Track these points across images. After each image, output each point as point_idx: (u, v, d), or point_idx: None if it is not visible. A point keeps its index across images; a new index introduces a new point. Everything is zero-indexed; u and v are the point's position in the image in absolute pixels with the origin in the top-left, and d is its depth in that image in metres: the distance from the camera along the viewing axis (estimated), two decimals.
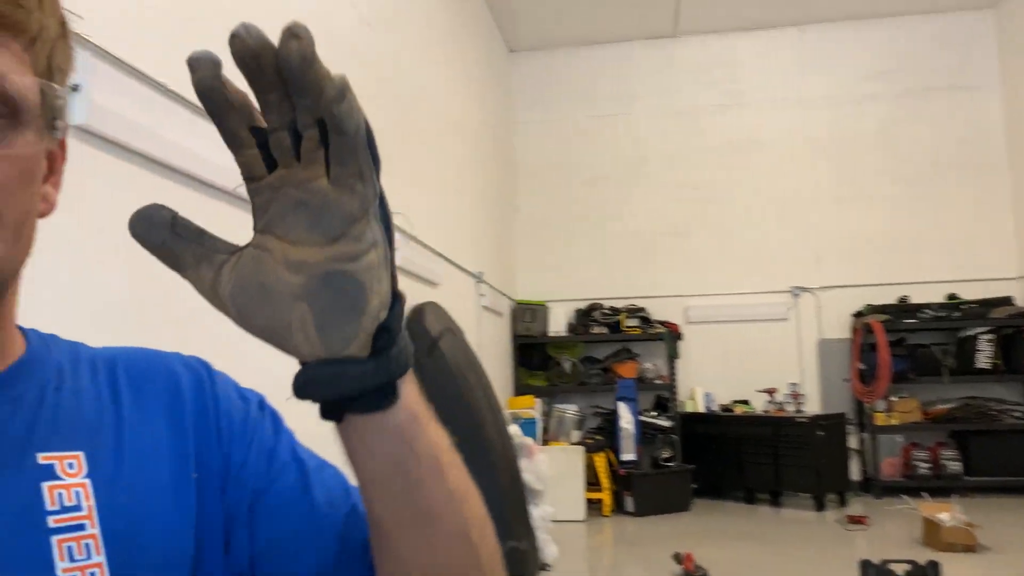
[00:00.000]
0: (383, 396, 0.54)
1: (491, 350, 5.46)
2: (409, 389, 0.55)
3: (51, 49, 0.57)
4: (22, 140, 0.54)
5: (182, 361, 0.69)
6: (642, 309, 6.42)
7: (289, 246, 0.50)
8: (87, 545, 0.56)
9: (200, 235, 0.52)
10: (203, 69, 0.46)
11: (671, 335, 6.28)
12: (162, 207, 0.51)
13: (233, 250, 0.52)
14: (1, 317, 0.60)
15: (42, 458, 0.58)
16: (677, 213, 6.68)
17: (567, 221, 6.78)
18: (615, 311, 6.43)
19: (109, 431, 0.61)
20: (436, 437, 0.58)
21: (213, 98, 0.47)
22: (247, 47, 0.45)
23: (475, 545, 0.60)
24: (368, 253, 0.51)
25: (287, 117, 0.47)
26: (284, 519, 0.64)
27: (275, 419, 0.69)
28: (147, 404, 0.64)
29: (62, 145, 0.62)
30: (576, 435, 5.85)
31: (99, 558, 0.56)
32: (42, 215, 0.59)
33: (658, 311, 6.48)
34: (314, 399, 0.53)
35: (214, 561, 0.63)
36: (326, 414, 0.54)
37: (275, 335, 0.52)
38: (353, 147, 0.48)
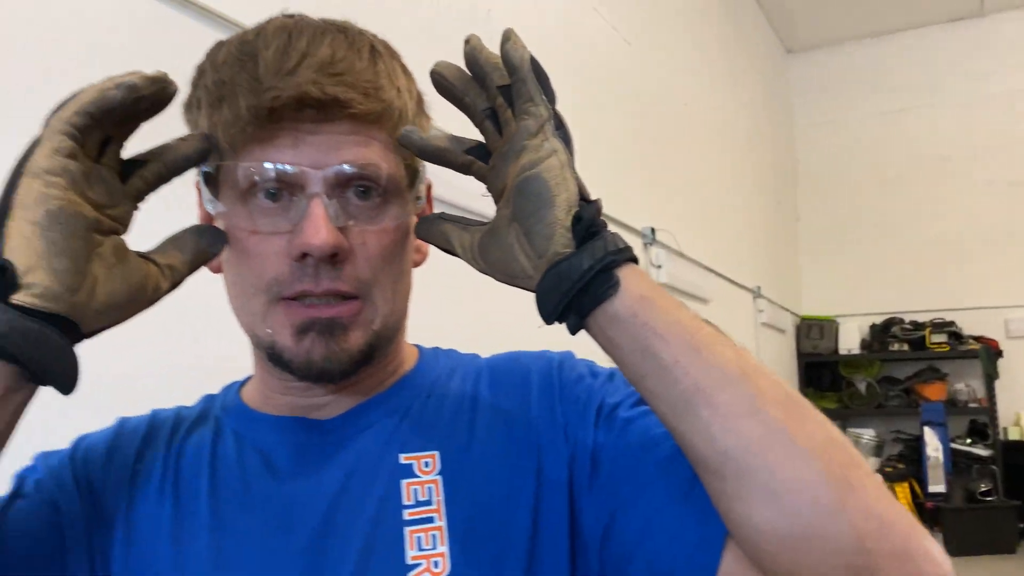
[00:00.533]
0: (601, 284, 0.56)
1: (773, 369, 5.17)
2: (631, 273, 0.58)
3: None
4: (393, 214, 0.66)
5: (541, 356, 0.75)
6: (951, 323, 5.72)
7: (504, 188, 0.61)
8: (434, 536, 0.63)
9: (461, 219, 0.65)
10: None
11: (988, 352, 5.51)
12: (433, 214, 0.67)
13: (480, 223, 0.63)
14: (389, 352, 0.72)
15: (403, 458, 0.67)
16: (991, 214, 5.87)
17: (856, 228, 6.24)
18: (917, 326, 5.79)
19: (463, 432, 0.69)
20: (679, 315, 0.57)
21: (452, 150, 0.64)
22: (441, 77, 0.63)
23: (777, 421, 0.54)
24: (548, 158, 0.58)
25: (481, 108, 0.62)
26: (628, 476, 0.64)
27: (627, 383, 0.66)
28: (500, 404, 0.71)
29: (429, 203, 0.75)
30: (874, 462, 5.34)
31: (443, 548, 0.63)
32: (416, 264, 0.73)
33: (970, 325, 5.73)
34: (548, 312, 0.58)
35: (554, 554, 0.65)
36: (569, 325, 0.58)
37: (506, 264, 0.60)
38: (523, 76, 0.58)
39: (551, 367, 0.72)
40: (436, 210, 0.72)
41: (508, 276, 0.61)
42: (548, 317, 0.58)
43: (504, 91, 0.59)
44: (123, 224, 0.61)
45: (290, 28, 0.63)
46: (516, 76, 0.59)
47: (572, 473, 0.66)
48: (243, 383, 0.77)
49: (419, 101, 0.71)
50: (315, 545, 0.64)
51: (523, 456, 0.67)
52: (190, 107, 0.67)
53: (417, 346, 0.78)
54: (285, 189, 0.63)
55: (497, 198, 0.62)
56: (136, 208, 0.62)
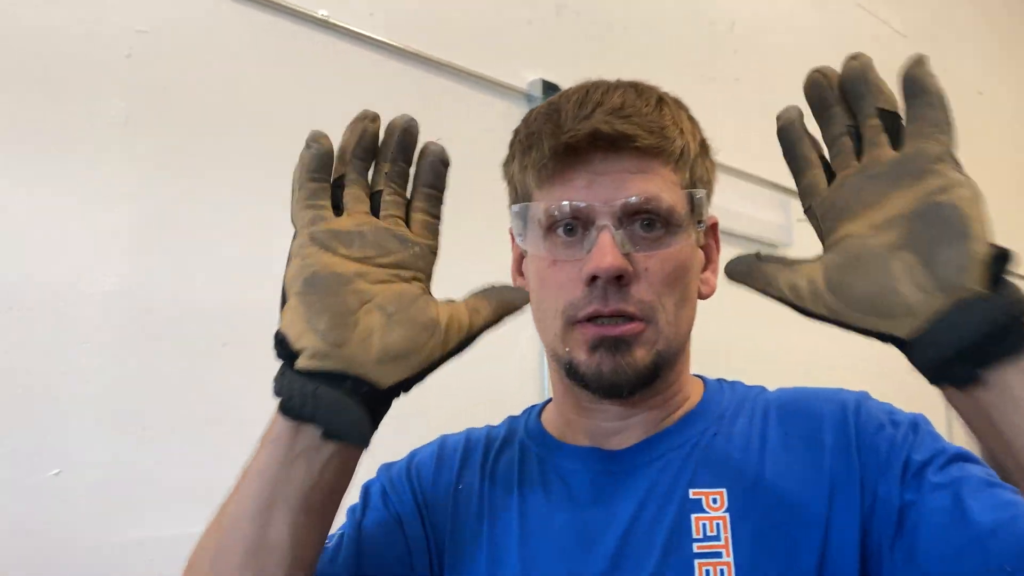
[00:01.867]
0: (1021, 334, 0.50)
1: None
2: None
3: (692, 165, 0.73)
4: (675, 242, 0.70)
5: (834, 397, 0.73)
6: None
7: (873, 212, 0.55)
8: (722, 571, 0.66)
9: (780, 258, 0.60)
10: (789, 113, 0.60)
11: None
12: (746, 254, 0.62)
13: (812, 260, 0.58)
14: (674, 380, 0.76)
15: (693, 493, 0.70)
16: None
17: None
18: None
19: (750, 471, 0.71)
20: None
21: (794, 129, 0.59)
22: (824, 77, 0.58)
23: None
24: (959, 187, 0.53)
25: (845, 123, 0.57)
26: (935, 546, 0.62)
27: (932, 437, 0.69)
28: (791, 445, 0.71)
29: (715, 240, 0.79)
30: None
31: None
32: (703, 296, 0.76)
33: None
34: (939, 354, 0.51)
35: None
36: (959, 374, 0.52)
37: (876, 299, 0.54)
38: (933, 101, 0.55)
39: (846, 411, 0.71)
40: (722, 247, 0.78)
41: (875, 313, 0.54)
42: (938, 359, 0.52)
43: (885, 116, 0.56)
44: (408, 268, 0.62)
45: (588, 86, 0.73)
46: (924, 99, 0.55)
47: (869, 526, 0.66)
48: (542, 408, 0.85)
49: (702, 144, 0.76)
50: (611, 570, 0.69)
51: (812, 501, 0.67)
52: (507, 161, 0.78)
53: (702, 377, 0.81)
54: (580, 223, 0.70)
55: (838, 223, 0.57)
56: (431, 251, 0.64)
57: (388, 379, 0.58)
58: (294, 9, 1.49)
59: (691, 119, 0.77)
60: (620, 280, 0.68)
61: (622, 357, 0.69)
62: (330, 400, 0.57)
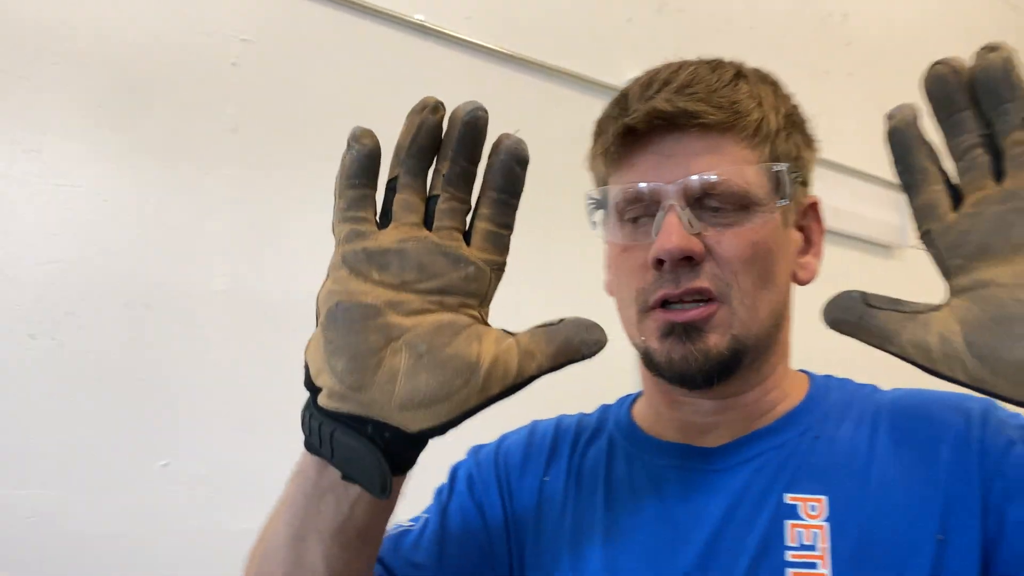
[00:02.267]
0: None
1: None
2: None
3: (774, 140, 0.68)
4: (750, 220, 0.65)
5: (957, 405, 0.67)
6: None
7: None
8: None
9: (895, 302, 0.51)
10: (903, 113, 0.49)
11: None
12: (850, 291, 0.52)
13: (932, 307, 0.50)
14: (768, 373, 0.71)
15: (789, 498, 0.66)
16: None
17: None
18: None
19: (855, 480, 0.65)
20: None
21: (908, 134, 0.49)
22: (951, 72, 0.47)
23: None
24: None
25: (978, 132, 0.47)
26: None
27: None
28: (903, 455, 0.66)
29: (818, 222, 0.73)
30: None
31: None
32: (801, 282, 0.72)
33: None
34: None
35: None
36: None
37: None
38: None
39: (970, 422, 0.65)
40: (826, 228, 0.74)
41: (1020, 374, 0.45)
42: None
43: None
44: (456, 293, 0.53)
45: (661, 66, 0.70)
46: None
47: (994, 552, 0.60)
48: (635, 398, 0.81)
49: (790, 118, 0.70)
50: (697, 572, 0.66)
51: (922, 519, 0.62)
52: (590, 156, 0.75)
53: (807, 373, 0.77)
54: (648, 207, 0.67)
55: (971, 263, 0.48)
56: (492, 270, 0.54)
57: (414, 425, 0.51)
58: (391, 14, 1.51)
59: (778, 93, 0.72)
60: (691, 262, 0.64)
61: (692, 343, 0.65)
62: (346, 446, 0.51)
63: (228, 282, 1.34)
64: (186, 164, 1.32)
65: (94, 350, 1.23)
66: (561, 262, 1.64)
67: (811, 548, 0.63)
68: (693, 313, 0.65)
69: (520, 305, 1.60)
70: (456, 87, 1.59)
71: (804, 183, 0.71)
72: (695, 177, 0.64)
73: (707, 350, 0.65)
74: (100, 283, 1.24)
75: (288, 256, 1.39)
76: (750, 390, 0.71)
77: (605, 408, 0.83)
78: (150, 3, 1.31)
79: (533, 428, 0.82)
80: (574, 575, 0.70)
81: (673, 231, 0.63)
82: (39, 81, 1.22)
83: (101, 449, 1.22)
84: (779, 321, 0.70)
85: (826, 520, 0.64)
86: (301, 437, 0.56)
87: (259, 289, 1.36)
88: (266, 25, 1.41)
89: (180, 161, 1.32)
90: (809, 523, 0.64)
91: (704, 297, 0.65)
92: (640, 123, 0.65)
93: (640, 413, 0.79)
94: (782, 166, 0.67)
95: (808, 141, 0.73)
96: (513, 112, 1.69)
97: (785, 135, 0.69)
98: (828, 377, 0.76)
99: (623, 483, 0.73)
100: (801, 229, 0.72)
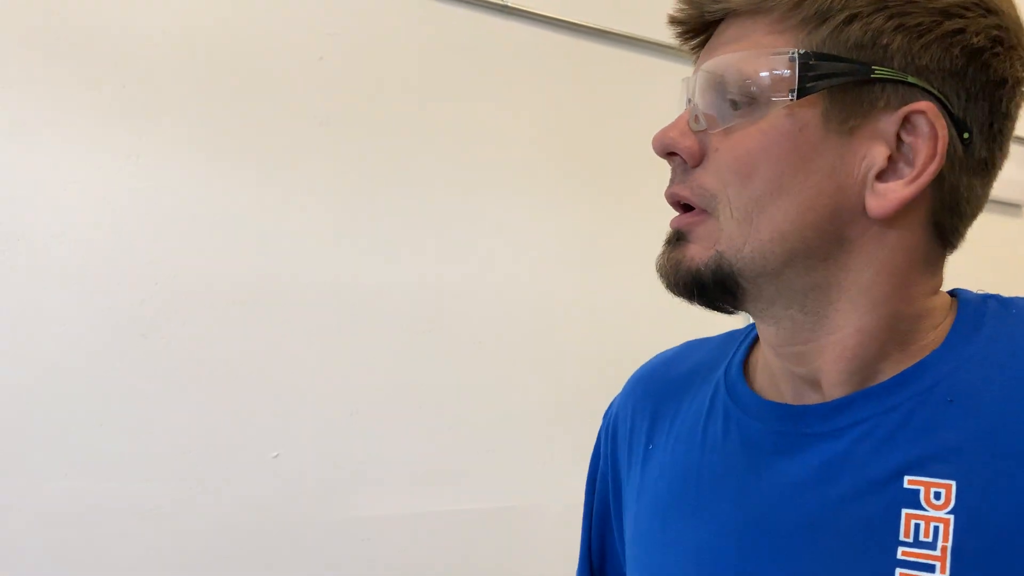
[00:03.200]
0: None
1: None
2: None
3: (822, 21, 0.55)
4: (755, 124, 0.55)
5: None
6: None
7: None
8: None
9: None
10: None
11: None
12: None
13: None
14: (822, 319, 0.58)
15: (909, 482, 0.53)
16: None
17: None
18: None
19: (1000, 463, 0.52)
20: None
21: None
22: None
23: None
24: None
25: None
26: None
27: None
28: None
29: (928, 135, 0.54)
30: None
31: None
32: (873, 214, 0.55)
33: None
34: None
35: None
36: None
37: None
38: None
39: None
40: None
41: None
42: None
43: None
44: None
45: None
46: None
47: None
48: (757, 338, 0.69)
49: (885, 3, 0.54)
50: (787, 561, 0.56)
51: None
52: None
53: (959, 296, 0.59)
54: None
55: None
56: None
57: None
58: None
59: None
60: (683, 164, 0.58)
61: (673, 251, 0.59)
62: None
63: (325, 275, 1.36)
64: (278, 160, 1.34)
65: (201, 348, 1.26)
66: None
67: (929, 546, 0.52)
68: (679, 220, 0.59)
69: (631, 290, 1.56)
70: (545, 66, 1.56)
71: (895, 82, 0.54)
72: (703, 71, 0.57)
73: (680, 260, 0.58)
74: (204, 282, 1.28)
75: (383, 246, 1.39)
76: (802, 331, 0.58)
77: (729, 338, 0.71)
78: (240, 5, 1.33)
79: (650, 375, 0.74)
80: (663, 551, 0.63)
81: (670, 125, 0.58)
82: (138, 88, 1.26)
83: (215, 443, 1.26)
84: (809, 251, 0.56)
85: (951, 512, 0.52)
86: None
87: (355, 281, 1.37)
88: (351, 18, 1.41)
89: (272, 157, 1.34)
90: (931, 514, 0.52)
91: (689, 205, 0.59)
92: (676, 19, 0.61)
93: (755, 354, 0.67)
94: (791, 52, 0.55)
95: (923, 32, 0.55)
96: (606, 88, 1.65)
97: (862, 21, 0.54)
98: (987, 300, 0.59)
99: (715, 450, 0.63)
100: (901, 139, 0.55)
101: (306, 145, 1.37)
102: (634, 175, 1.61)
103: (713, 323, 0.70)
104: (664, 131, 0.58)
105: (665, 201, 0.61)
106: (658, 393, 0.71)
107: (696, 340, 0.74)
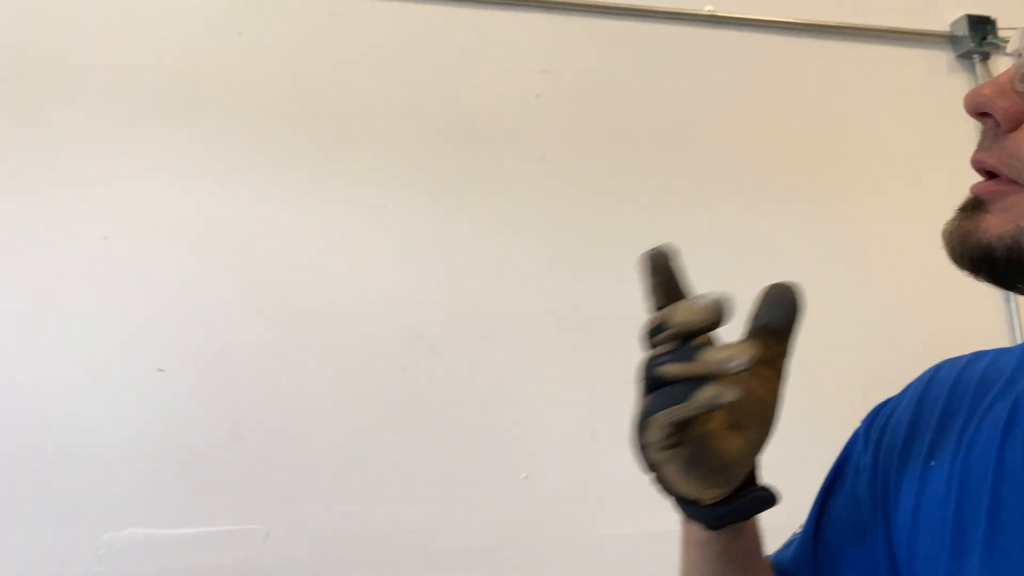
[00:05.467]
0: None
1: None
2: None
3: None
4: None
5: None
6: None
7: None
8: None
9: None
10: None
11: None
12: None
13: None
14: None
15: None
16: None
17: None
18: None
19: None
20: None
21: None
22: None
23: None
24: None
25: None
26: None
27: None
28: None
29: None
30: None
31: None
32: None
33: None
34: None
35: None
36: None
37: None
38: None
39: None
40: None
41: None
42: None
43: None
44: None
45: None
46: None
47: None
48: None
49: None
50: None
51: None
52: None
53: None
54: None
55: None
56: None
57: (748, 471, 0.54)
58: (680, 13, 1.50)
59: None
60: (999, 127, 0.52)
61: (966, 219, 0.53)
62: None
63: (554, 303, 1.40)
64: (499, 195, 1.41)
65: (451, 376, 1.35)
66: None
67: None
68: (977, 185, 0.54)
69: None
70: (758, 70, 1.53)
71: None
72: None
73: (971, 231, 0.52)
74: (447, 317, 1.36)
75: (603, 274, 1.42)
76: None
77: None
78: (462, 51, 1.43)
79: (928, 385, 0.66)
80: None
81: (986, 83, 0.52)
82: (371, 144, 1.38)
83: (468, 466, 1.34)
84: None
85: None
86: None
87: (583, 307, 1.41)
88: (563, 53, 1.47)
89: (493, 193, 1.41)
90: None
91: (993, 172, 0.53)
92: None
93: None
94: None
95: None
96: (822, 82, 1.58)
97: None
98: None
99: (1015, 473, 0.55)
100: None
101: (526, 180, 1.43)
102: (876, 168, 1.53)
103: None
104: (978, 88, 0.52)
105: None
106: (945, 404, 0.63)
107: (991, 350, 0.66)
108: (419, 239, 1.37)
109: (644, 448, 0.49)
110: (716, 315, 0.45)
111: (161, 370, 1.25)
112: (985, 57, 1.59)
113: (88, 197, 1.26)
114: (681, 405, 0.45)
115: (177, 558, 1.23)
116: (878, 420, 0.68)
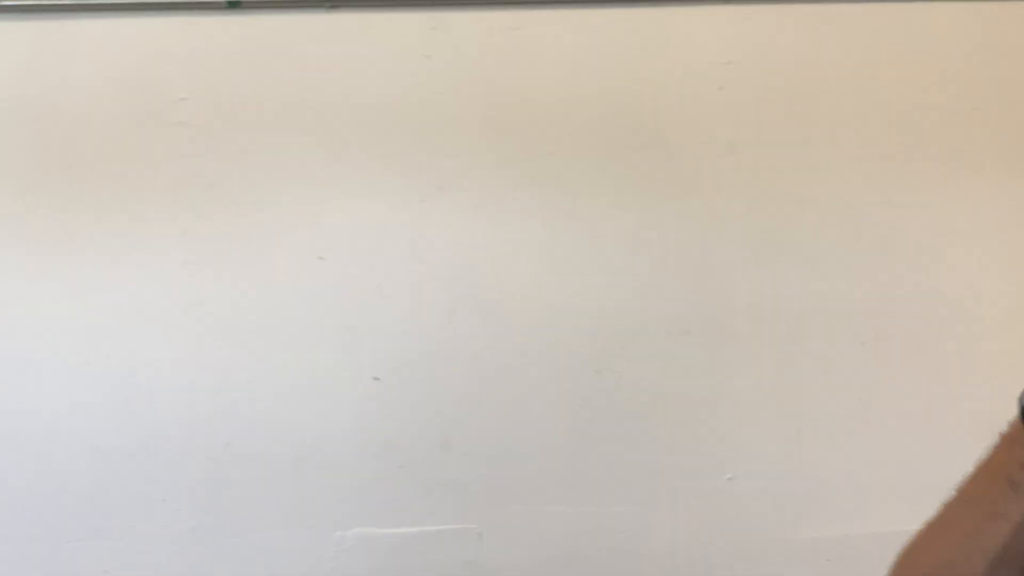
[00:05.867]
0: None
1: None
2: None
3: None
4: None
5: None
6: None
7: None
8: None
9: None
10: None
11: None
12: None
13: None
14: None
15: None
16: None
17: None
18: None
19: None
20: None
21: None
22: None
23: None
24: None
25: None
26: None
27: None
28: None
29: None
30: None
31: None
32: None
33: None
34: None
35: None
36: None
37: None
38: None
39: None
40: None
41: None
42: None
43: None
44: None
45: None
46: None
47: None
48: None
49: None
50: None
51: None
52: None
53: None
54: None
55: None
56: None
57: None
58: None
59: None
60: None
61: None
62: None
63: (753, 297, 1.37)
64: (690, 191, 1.39)
65: (648, 377, 1.35)
66: None
67: None
68: None
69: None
70: (908, 44, 1.43)
71: None
72: None
73: None
74: (642, 318, 1.36)
75: (804, 266, 1.37)
76: None
77: None
78: (643, 49, 1.42)
79: None
80: None
81: None
82: (562, 151, 1.39)
83: (671, 467, 1.33)
84: None
85: None
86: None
87: (783, 301, 1.37)
88: (746, 45, 1.42)
89: (684, 189, 1.39)
90: None
91: None
92: None
93: None
94: None
95: None
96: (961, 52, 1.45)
97: None
98: None
99: None
100: None
101: (715, 173, 1.40)
102: None
103: None
104: None
105: None
106: None
107: None
108: (612, 241, 1.38)
109: None
110: None
111: (376, 378, 1.33)
112: None
113: (302, 223, 1.36)
114: None
115: (400, 555, 1.31)
116: None
